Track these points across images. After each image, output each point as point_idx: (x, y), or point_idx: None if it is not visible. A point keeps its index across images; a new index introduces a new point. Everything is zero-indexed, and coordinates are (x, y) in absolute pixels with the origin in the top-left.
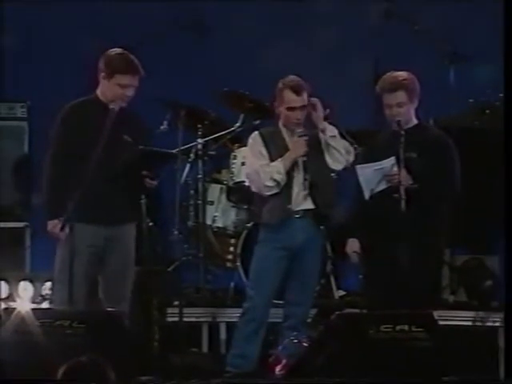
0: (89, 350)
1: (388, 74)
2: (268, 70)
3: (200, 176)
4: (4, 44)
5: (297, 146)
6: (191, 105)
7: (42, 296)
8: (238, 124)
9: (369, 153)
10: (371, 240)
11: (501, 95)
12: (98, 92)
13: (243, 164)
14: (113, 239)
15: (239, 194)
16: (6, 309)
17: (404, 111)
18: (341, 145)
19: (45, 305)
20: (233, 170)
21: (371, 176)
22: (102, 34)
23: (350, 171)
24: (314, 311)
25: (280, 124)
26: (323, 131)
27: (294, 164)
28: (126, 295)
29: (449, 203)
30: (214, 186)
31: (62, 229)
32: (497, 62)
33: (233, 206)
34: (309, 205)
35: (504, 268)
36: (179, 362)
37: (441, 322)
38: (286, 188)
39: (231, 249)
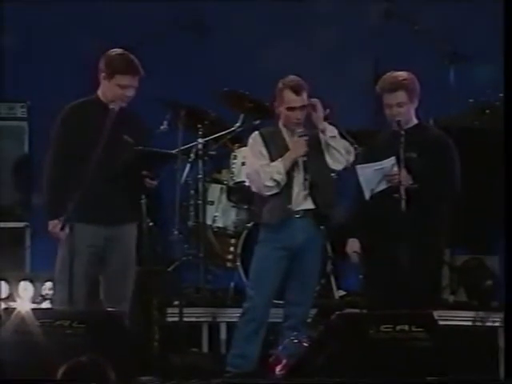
0: (89, 350)
1: (388, 74)
2: (268, 70)
3: (200, 176)
4: (4, 44)
5: (297, 146)
6: (191, 105)
7: (42, 296)
8: (238, 124)
9: (369, 153)
10: (371, 240)
11: (501, 95)
12: (99, 92)
13: (243, 164)
14: (113, 239)
15: (239, 193)
16: (6, 309)
17: (404, 111)
18: (341, 145)
19: (45, 305)
20: (233, 169)
21: (371, 176)
22: (102, 34)
23: (350, 171)
24: (314, 311)
25: (280, 124)
26: (323, 131)
27: (294, 164)
28: (127, 295)
29: (449, 203)
30: (214, 185)
31: (62, 229)
32: (497, 62)
33: (233, 206)
34: (309, 205)
35: (504, 268)
36: (179, 361)
37: (441, 322)
38: (286, 188)
39: (231, 249)
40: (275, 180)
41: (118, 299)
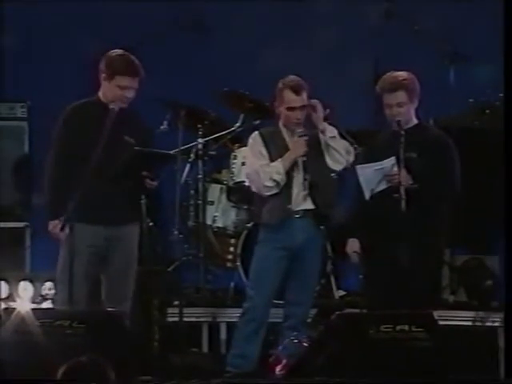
0: (89, 350)
1: (388, 74)
2: (268, 70)
3: (200, 176)
4: (4, 44)
5: (297, 146)
6: (191, 105)
7: (42, 296)
8: (238, 124)
9: (369, 153)
10: (371, 240)
11: (501, 95)
12: (100, 93)
13: (243, 164)
14: (113, 239)
15: (239, 194)
16: (6, 309)
17: (404, 111)
18: (341, 145)
19: (45, 305)
20: (233, 170)
21: (371, 176)
22: (102, 34)
23: (350, 171)
24: (314, 311)
25: (280, 124)
26: (323, 132)
27: (294, 164)
28: (128, 295)
29: (449, 203)
30: (214, 186)
31: (62, 229)
32: (497, 62)
33: (233, 206)
34: (309, 205)
35: (504, 268)
36: (179, 362)
37: (441, 322)
38: (285, 188)
39: (231, 249)
40: (275, 180)
41: (119, 299)
